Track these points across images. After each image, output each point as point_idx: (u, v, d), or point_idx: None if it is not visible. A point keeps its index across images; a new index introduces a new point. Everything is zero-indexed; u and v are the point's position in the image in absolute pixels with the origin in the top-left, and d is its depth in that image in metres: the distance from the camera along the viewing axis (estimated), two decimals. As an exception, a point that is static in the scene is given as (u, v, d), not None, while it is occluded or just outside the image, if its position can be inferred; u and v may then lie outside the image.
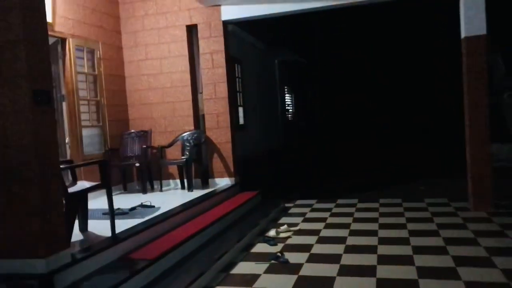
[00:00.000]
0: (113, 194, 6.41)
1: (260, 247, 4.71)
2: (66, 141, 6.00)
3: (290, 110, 15.07)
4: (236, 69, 9.59)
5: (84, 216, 4.14)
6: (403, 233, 4.85)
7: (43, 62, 3.03)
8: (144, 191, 6.42)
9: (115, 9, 7.03)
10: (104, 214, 4.94)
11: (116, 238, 3.89)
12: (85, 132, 6.18)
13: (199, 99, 7.08)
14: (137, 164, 6.37)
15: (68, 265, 3.17)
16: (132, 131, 6.98)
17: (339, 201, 6.91)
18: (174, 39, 6.97)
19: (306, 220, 5.82)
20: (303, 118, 15.88)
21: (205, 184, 6.81)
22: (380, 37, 15.91)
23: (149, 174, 6.75)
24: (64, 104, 5.97)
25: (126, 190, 6.77)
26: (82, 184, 4.04)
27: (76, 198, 3.68)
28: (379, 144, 14.44)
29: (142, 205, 5.28)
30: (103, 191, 4.19)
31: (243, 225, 5.37)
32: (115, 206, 5.39)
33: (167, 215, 4.87)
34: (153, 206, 5.26)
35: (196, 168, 6.90)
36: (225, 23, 6.83)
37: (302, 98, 16.04)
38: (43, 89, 3.01)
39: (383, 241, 4.62)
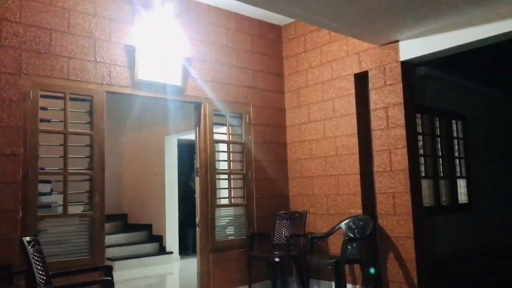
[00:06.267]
0: (254, 293, 5.13)
1: None
2: (197, 221, 5.05)
3: None
4: (456, 127, 7.11)
5: None
6: None
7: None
8: (284, 296, 4.78)
9: (276, 65, 5.95)
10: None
11: None
12: (221, 212, 5.13)
13: (373, 171, 5.09)
14: (277, 259, 4.80)
15: None
16: (284, 211, 5.53)
17: None
18: (340, 94, 5.32)
19: None
20: None
21: (374, 298, 4.64)
22: None
23: (300, 272, 5.08)
24: (196, 179, 5.11)
25: (275, 288, 5.27)
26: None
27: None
28: None
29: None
30: None
31: None
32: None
33: None
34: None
35: (359, 273, 4.80)
36: (406, 65, 4.80)
37: None
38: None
39: None
